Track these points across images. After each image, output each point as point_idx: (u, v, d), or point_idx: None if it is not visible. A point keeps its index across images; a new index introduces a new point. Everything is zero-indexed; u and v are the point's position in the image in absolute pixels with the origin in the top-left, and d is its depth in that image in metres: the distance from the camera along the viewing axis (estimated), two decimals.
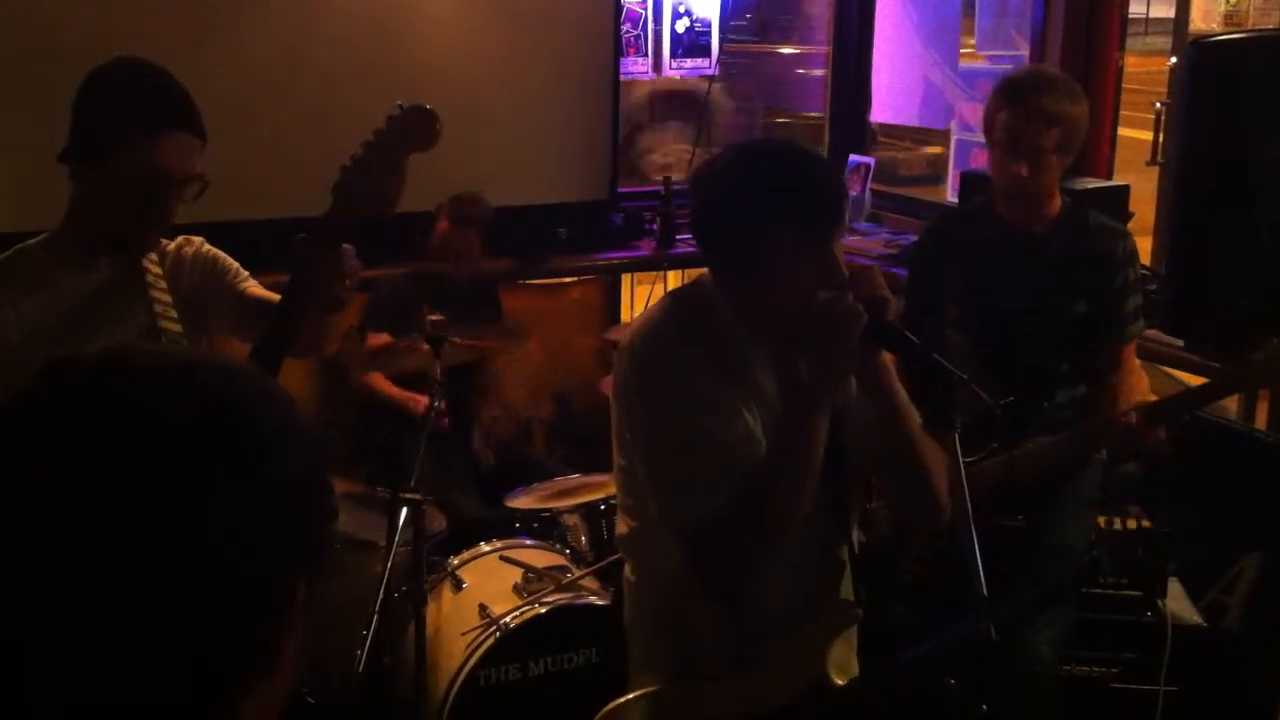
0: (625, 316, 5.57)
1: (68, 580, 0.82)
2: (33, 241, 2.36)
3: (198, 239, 2.53)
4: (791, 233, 2.09)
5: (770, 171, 2.15)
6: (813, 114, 6.33)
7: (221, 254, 2.55)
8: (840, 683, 2.19)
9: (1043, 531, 3.20)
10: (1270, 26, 4.36)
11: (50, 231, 2.36)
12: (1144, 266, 4.23)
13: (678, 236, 5.36)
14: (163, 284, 2.40)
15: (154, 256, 2.41)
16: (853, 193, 5.51)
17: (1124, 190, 4.25)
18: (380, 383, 4.29)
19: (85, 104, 2.25)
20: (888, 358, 2.14)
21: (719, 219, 2.18)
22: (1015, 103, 3.15)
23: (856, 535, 2.33)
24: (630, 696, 2.31)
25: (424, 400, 3.91)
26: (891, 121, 5.98)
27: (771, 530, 2.09)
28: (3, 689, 0.84)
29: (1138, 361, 3.35)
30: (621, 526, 2.38)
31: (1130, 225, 4.20)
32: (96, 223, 2.28)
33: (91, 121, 2.23)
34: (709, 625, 2.25)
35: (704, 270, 2.30)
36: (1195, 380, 4.66)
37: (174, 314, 2.40)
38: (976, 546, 1.83)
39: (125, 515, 0.83)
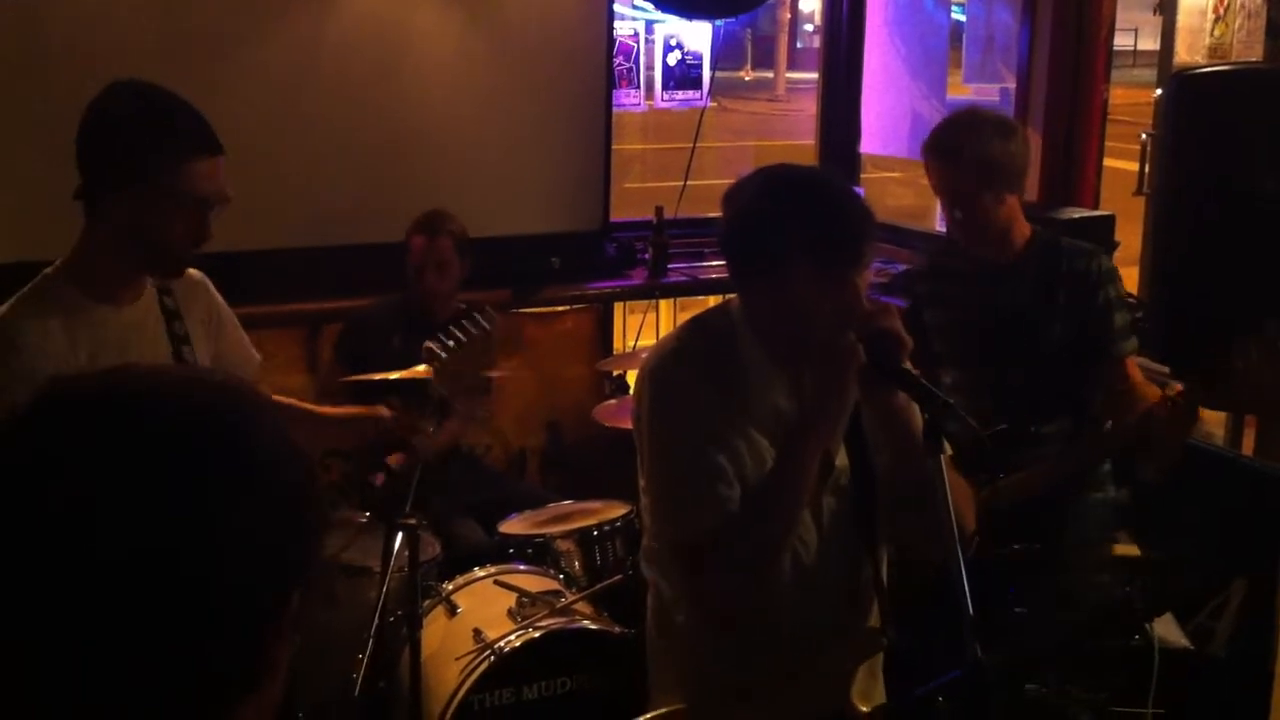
0: (618, 346, 5.60)
1: (71, 587, 0.85)
2: (50, 272, 2.37)
3: (199, 274, 2.57)
4: (810, 264, 2.12)
5: (797, 202, 2.19)
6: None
7: (229, 314, 2.64)
8: (864, 710, 2.22)
9: (1052, 566, 3.23)
10: (1254, 59, 4.42)
11: (65, 261, 2.37)
12: (1130, 295, 4.28)
13: (670, 266, 5.41)
14: (180, 316, 2.47)
15: (168, 288, 2.47)
16: None
17: (1110, 220, 4.31)
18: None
19: (127, 130, 2.29)
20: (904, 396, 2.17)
21: (744, 242, 2.23)
22: (934, 154, 3.24)
23: (886, 563, 2.37)
24: (649, 716, 2.33)
25: None
26: (880, 153, 6.04)
27: (758, 550, 2.14)
28: (8, 690, 0.87)
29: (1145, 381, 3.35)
30: (646, 547, 2.43)
31: (1116, 255, 4.26)
32: (147, 244, 2.32)
33: (141, 147, 2.27)
34: (728, 646, 2.29)
35: (696, 299, 2.36)
36: None
37: (191, 344, 2.47)
38: (964, 570, 1.86)
39: (125, 524, 0.86)
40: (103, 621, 0.86)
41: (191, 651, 0.89)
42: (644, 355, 2.45)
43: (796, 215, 2.14)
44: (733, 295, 2.35)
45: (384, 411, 2.81)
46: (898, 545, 2.41)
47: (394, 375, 3.40)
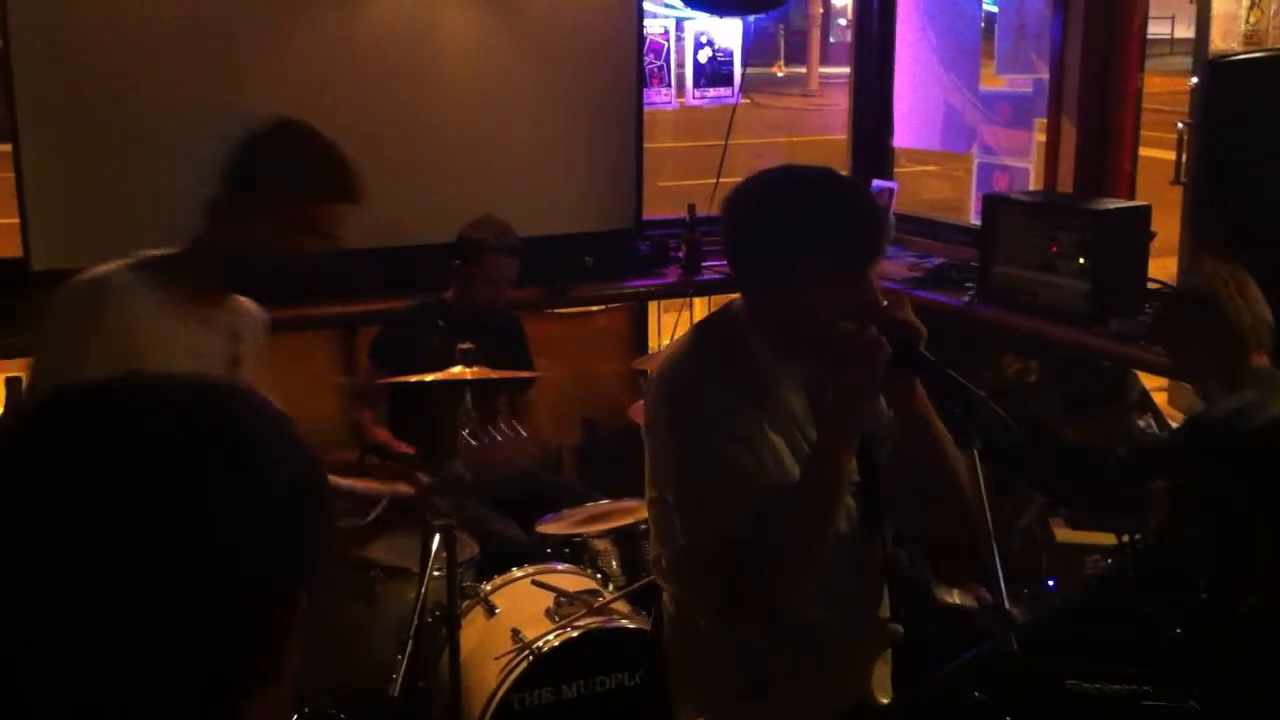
0: (653, 344, 5.61)
1: (72, 587, 0.86)
2: (151, 257, 2.48)
3: (262, 313, 2.70)
4: (830, 263, 2.13)
5: (813, 202, 2.19)
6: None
7: (267, 358, 2.74)
8: (883, 701, 2.22)
9: None
10: None
11: (167, 253, 2.49)
12: (1168, 284, 4.26)
13: (703, 264, 5.41)
14: (241, 339, 2.59)
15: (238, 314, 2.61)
16: None
17: (1145, 210, 4.28)
18: (367, 424, 4.34)
19: (276, 155, 2.44)
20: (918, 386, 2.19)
21: (758, 244, 2.22)
22: None
23: (892, 553, 2.36)
24: None
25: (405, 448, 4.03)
26: (913, 146, 6.01)
27: (798, 553, 2.13)
28: (8, 690, 0.87)
29: None
30: (656, 556, 2.41)
31: (1153, 244, 4.24)
32: (248, 248, 2.44)
33: (284, 172, 2.42)
34: (752, 647, 2.28)
35: (731, 296, 2.35)
36: None
37: (241, 368, 2.57)
38: (998, 560, 1.86)
39: (125, 524, 0.87)
40: (103, 621, 0.86)
41: (192, 651, 0.89)
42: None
43: (813, 215, 2.15)
44: (734, 297, 2.35)
45: (403, 489, 2.89)
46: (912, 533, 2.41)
47: (429, 377, 3.44)
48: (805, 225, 2.14)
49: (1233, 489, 2.69)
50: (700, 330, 2.38)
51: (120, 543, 0.86)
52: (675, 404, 2.23)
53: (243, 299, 2.62)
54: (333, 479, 2.82)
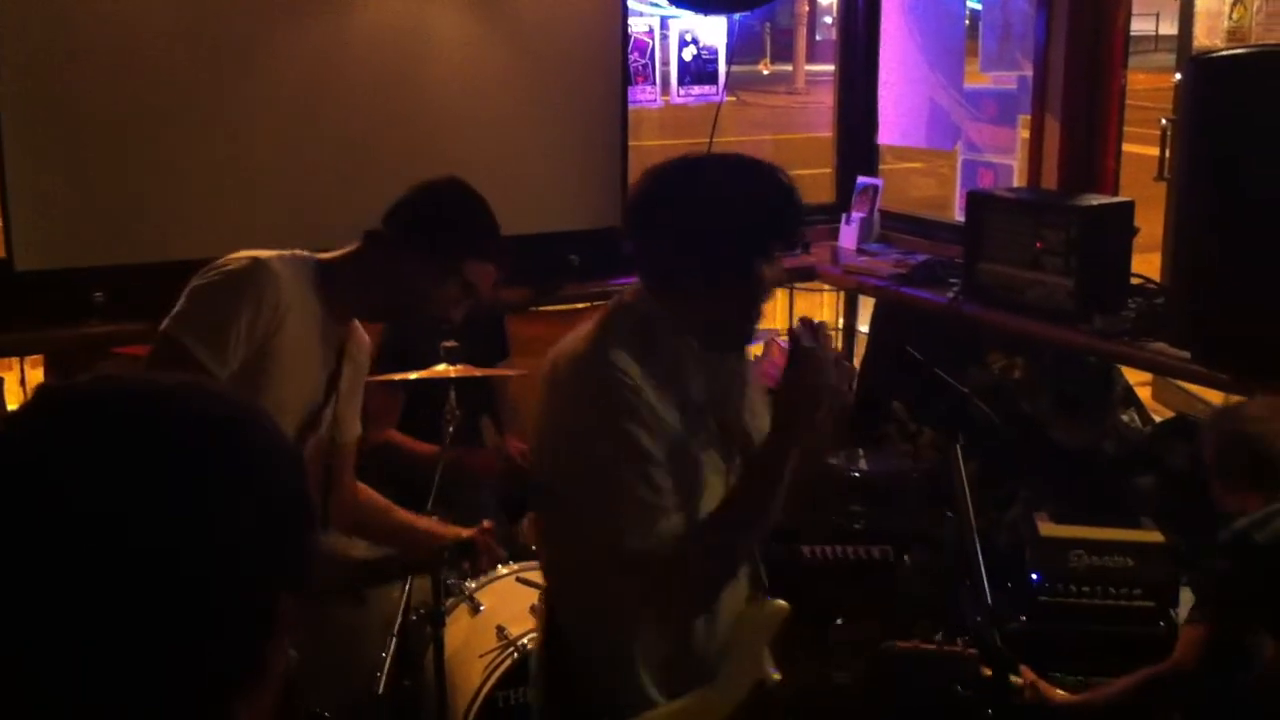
0: None
1: (71, 588, 0.86)
2: (306, 259, 2.58)
3: (369, 344, 2.86)
4: (779, 247, 2.18)
5: (760, 189, 2.20)
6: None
7: (363, 384, 2.90)
8: (777, 677, 2.24)
9: None
10: (1273, 41, 4.39)
11: (320, 261, 2.60)
12: (1151, 280, 4.28)
13: None
14: (344, 359, 2.71)
15: (355, 330, 2.74)
16: (861, 214, 5.55)
17: (1129, 206, 4.29)
18: (400, 440, 4.30)
19: (454, 213, 2.69)
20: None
21: (709, 238, 2.18)
22: None
23: None
24: None
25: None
26: (899, 143, 6.02)
27: (744, 547, 2.15)
28: (9, 690, 0.87)
29: None
30: (549, 576, 2.38)
31: (1137, 240, 4.26)
32: (399, 293, 2.61)
33: (456, 231, 2.66)
34: (654, 651, 2.26)
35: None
36: (1206, 392, 4.70)
37: (340, 375, 2.70)
38: (980, 556, 1.86)
39: (125, 524, 0.87)
40: (103, 621, 0.86)
41: (191, 651, 0.89)
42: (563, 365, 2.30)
43: (771, 202, 2.17)
44: (630, 295, 2.32)
45: (464, 533, 3.04)
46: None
47: (413, 375, 3.44)
48: (763, 218, 2.19)
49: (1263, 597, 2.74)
50: (608, 328, 2.26)
51: (120, 543, 0.86)
52: (598, 407, 2.15)
53: (359, 324, 2.77)
54: (402, 516, 2.93)
